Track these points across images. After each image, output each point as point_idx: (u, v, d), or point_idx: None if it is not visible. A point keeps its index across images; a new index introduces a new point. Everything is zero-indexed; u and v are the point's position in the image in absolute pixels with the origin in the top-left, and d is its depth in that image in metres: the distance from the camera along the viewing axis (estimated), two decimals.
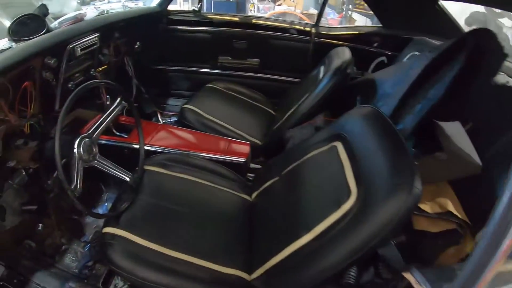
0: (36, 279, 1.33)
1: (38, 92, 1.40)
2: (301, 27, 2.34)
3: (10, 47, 1.33)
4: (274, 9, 5.11)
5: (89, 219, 1.63)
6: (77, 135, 1.29)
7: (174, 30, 2.39)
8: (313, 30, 2.29)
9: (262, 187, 1.39)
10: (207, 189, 1.38)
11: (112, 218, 1.18)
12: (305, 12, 5.24)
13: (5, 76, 1.20)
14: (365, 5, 5.10)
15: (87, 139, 1.29)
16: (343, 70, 1.64)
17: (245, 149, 1.68)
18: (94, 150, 1.31)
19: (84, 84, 1.27)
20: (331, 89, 1.62)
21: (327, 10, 5.25)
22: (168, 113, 2.36)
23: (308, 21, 4.72)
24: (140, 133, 1.43)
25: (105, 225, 1.18)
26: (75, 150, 1.24)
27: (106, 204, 1.67)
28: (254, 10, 4.88)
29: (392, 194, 0.85)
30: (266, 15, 4.66)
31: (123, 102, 1.46)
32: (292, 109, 1.78)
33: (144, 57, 2.22)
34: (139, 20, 2.14)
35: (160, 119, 2.20)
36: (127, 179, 1.32)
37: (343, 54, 1.75)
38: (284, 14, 4.82)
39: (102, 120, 1.40)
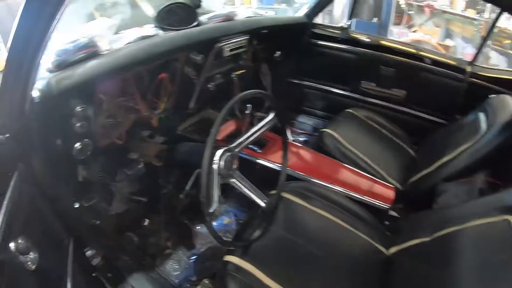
0: (132, 280, 1.29)
1: (175, 87, 1.34)
2: (455, 63, 2.01)
3: (156, 34, 1.27)
4: (408, 36, 4.67)
5: (202, 228, 1.51)
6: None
7: (316, 45, 2.24)
8: (469, 69, 1.95)
9: (405, 244, 1.18)
10: (346, 233, 1.22)
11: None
12: (441, 42, 4.69)
13: (147, 64, 1.13)
14: (504, 42, 4.39)
15: (229, 153, 1.09)
16: None
17: (390, 193, 1.47)
18: (233, 166, 1.12)
19: (248, 92, 1.12)
20: (499, 147, 1.37)
21: (462, 43, 4.63)
22: (298, 130, 2.21)
23: (443, 51, 4.26)
24: (285, 156, 1.28)
25: (230, 253, 1.06)
26: (215, 163, 1.05)
27: (222, 217, 1.54)
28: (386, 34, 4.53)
29: None
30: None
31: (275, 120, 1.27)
32: (445, 159, 1.50)
33: (282, 68, 2.12)
34: (286, 28, 2.05)
35: (289, 136, 2.03)
36: (262, 204, 1.15)
37: (510, 105, 1.46)
38: (419, 42, 4.37)
39: (251, 134, 1.21)
